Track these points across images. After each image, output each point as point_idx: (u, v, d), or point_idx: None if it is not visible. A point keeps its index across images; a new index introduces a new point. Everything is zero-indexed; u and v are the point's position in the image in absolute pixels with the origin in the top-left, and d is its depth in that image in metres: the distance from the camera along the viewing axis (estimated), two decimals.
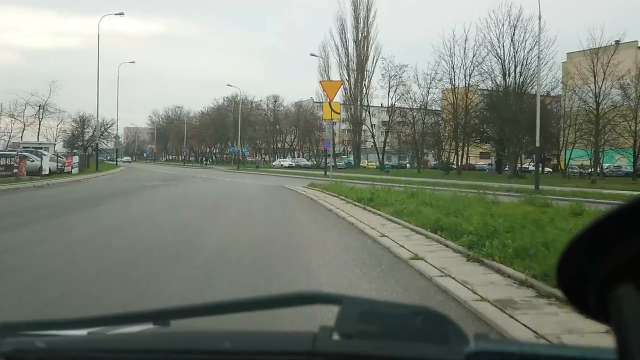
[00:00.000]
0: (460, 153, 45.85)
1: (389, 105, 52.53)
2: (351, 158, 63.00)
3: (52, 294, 4.57)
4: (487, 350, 0.57)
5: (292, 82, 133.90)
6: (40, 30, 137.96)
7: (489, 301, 4.27)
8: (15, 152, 26.51)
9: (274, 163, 63.91)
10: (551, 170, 48.71)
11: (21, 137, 48.34)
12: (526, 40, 39.66)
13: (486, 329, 3.65)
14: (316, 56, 51.38)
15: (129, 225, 9.68)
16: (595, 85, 37.58)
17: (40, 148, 35.19)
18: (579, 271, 0.53)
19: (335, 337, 0.63)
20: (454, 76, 44.70)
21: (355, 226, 9.59)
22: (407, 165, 61.22)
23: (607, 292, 0.50)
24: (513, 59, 40.46)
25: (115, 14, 37.81)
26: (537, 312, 3.97)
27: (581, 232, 0.50)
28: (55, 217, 10.72)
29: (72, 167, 31.84)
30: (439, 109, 49.18)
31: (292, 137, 72.70)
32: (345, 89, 55.51)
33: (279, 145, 73.35)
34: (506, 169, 46.33)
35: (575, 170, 42.79)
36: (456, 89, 44.65)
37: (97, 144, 43.85)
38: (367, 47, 57.41)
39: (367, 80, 57.72)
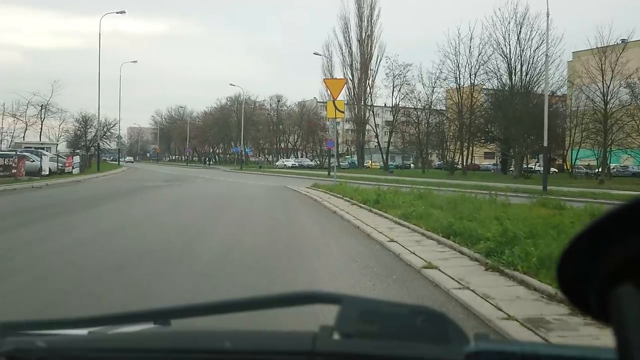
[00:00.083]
0: (465, 153, 45.30)
1: (393, 104, 51.99)
2: (355, 158, 62.42)
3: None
4: (488, 349, 0.57)
5: (295, 82, 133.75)
6: (42, 30, 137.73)
7: (517, 320, 3.80)
8: (14, 152, 26.14)
9: (277, 163, 63.46)
10: (557, 170, 48.09)
11: (23, 137, 48.14)
12: (532, 39, 39.14)
13: None
14: (320, 55, 50.92)
15: (129, 227, 9.43)
16: (603, 83, 37.00)
17: (42, 148, 34.92)
18: (579, 271, 0.52)
19: (336, 336, 0.63)
20: (459, 75, 44.22)
21: (361, 230, 9.11)
22: (411, 165, 60.64)
23: (607, 292, 0.50)
24: (519, 57, 39.92)
25: (117, 12, 37.45)
26: (575, 335, 3.49)
27: (581, 232, 0.50)
28: (49, 218, 10.31)
29: (72, 168, 31.48)
30: (444, 108, 48.60)
31: (296, 137, 72.22)
32: (348, 88, 54.94)
33: (282, 145, 72.87)
34: (511, 169, 45.81)
35: (582, 170, 42.19)
36: (461, 88, 44.09)
37: (99, 143, 43.51)
38: (371, 46, 56.90)
39: (370, 79, 57.22)
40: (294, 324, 0.93)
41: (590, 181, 34.03)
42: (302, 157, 70.65)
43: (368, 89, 57.21)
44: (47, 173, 26.34)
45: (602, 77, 37.06)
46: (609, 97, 36.81)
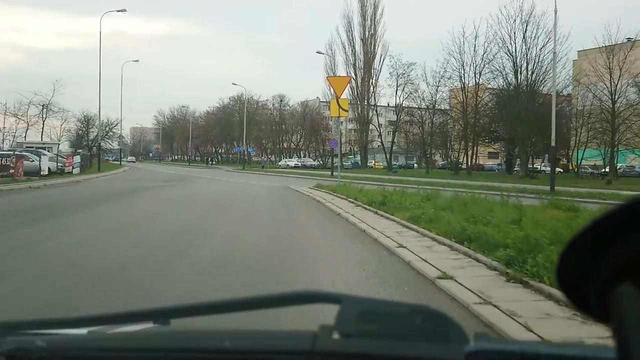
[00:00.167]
0: (470, 153, 44.75)
1: (397, 104, 51.46)
2: (358, 158, 61.89)
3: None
4: (488, 349, 0.57)
5: (297, 82, 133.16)
6: (44, 30, 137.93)
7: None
8: (12, 152, 25.76)
9: (279, 163, 63.01)
10: (562, 170, 47.50)
11: (25, 136, 47.87)
12: (538, 37, 38.58)
13: None
14: (322, 53, 50.44)
15: (126, 229, 9.05)
16: (611, 82, 36.41)
17: (44, 148, 34.59)
18: (579, 271, 0.52)
19: (335, 336, 0.63)
20: (464, 74, 43.66)
21: (367, 234, 8.61)
22: (415, 165, 60.09)
23: (607, 292, 0.50)
24: (525, 56, 39.35)
25: (117, 11, 37.04)
26: None
27: (581, 231, 0.51)
28: (42, 220, 9.88)
29: (72, 168, 31.09)
30: (447, 108, 48.04)
31: (298, 136, 71.74)
32: (352, 87, 54.40)
33: (284, 145, 72.41)
34: (515, 169, 45.25)
35: (587, 170, 41.60)
36: (466, 87, 43.55)
37: (100, 143, 43.15)
38: (375, 45, 56.37)
39: (374, 78, 56.69)
40: (294, 323, 0.91)
41: (596, 181, 33.56)
42: (304, 157, 70.17)
43: (371, 88, 56.76)
44: (47, 173, 26.04)
45: (610, 75, 36.47)
46: (616, 96, 36.22)
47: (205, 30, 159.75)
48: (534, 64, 39.21)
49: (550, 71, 37.28)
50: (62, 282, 5.01)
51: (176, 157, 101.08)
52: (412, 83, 48.68)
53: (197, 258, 6.20)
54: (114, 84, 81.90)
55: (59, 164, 29.16)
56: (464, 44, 55.73)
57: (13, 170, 22.63)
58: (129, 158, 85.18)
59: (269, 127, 70.91)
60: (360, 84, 56.56)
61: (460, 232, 7.11)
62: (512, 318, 3.87)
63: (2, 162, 22.43)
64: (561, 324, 3.74)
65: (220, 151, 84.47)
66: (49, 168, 26.96)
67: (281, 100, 71.43)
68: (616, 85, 36.25)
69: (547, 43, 37.88)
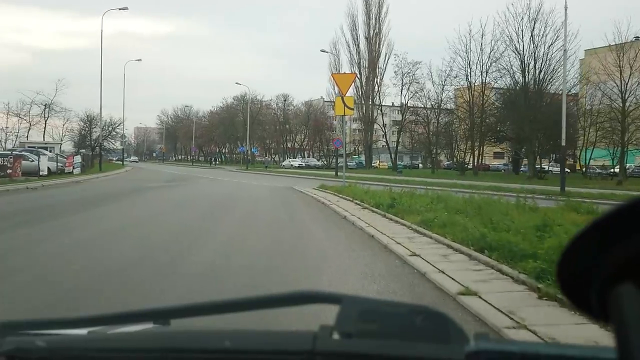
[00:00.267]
0: (476, 153, 44.07)
1: (402, 103, 50.78)
2: (362, 158, 61.25)
3: None
4: (488, 349, 0.57)
5: (301, 82, 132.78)
6: (47, 29, 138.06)
7: None
8: (9, 152, 25.33)
9: (283, 163, 62.49)
10: (569, 170, 46.76)
11: (27, 136, 47.55)
12: (547, 35, 37.83)
13: None
14: (327, 52, 49.58)
15: (120, 232, 8.65)
16: (621, 81, 35.68)
17: (46, 148, 34.24)
18: (579, 271, 0.53)
19: (336, 336, 0.63)
20: (470, 73, 42.99)
21: (376, 240, 7.99)
22: (420, 165, 59.42)
23: (608, 292, 0.50)
24: (532, 54, 38.62)
25: (119, 9, 36.54)
26: None
27: (582, 231, 0.51)
28: (29, 224, 9.31)
29: (73, 168, 30.63)
30: (453, 107, 47.35)
31: (302, 136, 71.18)
32: (356, 87, 53.72)
33: (288, 145, 71.88)
34: (521, 169, 44.54)
35: (595, 170, 40.87)
36: (472, 86, 42.87)
37: (101, 143, 42.71)
38: (379, 44, 55.72)
39: (379, 77, 56.07)
40: (294, 323, 0.91)
41: (605, 182, 32.97)
42: (308, 157, 69.60)
43: (376, 87, 56.10)
44: (46, 173, 25.68)
45: (620, 74, 35.74)
46: (626, 95, 35.49)
47: (208, 30, 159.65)
48: (541, 63, 38.53)
49: (559, 70, 36.68)
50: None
51: (180, 157, 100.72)
52: (418, 82, 48.11)
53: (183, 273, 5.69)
54: (117, 83, 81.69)
55: (59, 164, 28.72)
56: (470, 42, 54.97)
57: (11, 171, 22.20)
58: (132, 158, 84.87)
59: (272, 127, 70.42)
60: (364, 83, 55.94)
61: (479, 239, 6.49)
62: None
63: (0, 162, 22.00)
64: None
65: (223, 151, 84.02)
66: (48, 168, 26.62)
67: (285, 100, 70.94)
68: (626, 84, 35.52)
69: (555, 41, 37.22)
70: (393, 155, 52.85)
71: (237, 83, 69.07)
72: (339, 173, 29.39)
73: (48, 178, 24.63)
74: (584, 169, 40.80)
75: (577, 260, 0.52)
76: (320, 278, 5.44)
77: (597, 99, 37.92)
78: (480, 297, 4.46)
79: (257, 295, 0.70)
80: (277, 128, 70.02)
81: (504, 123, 43.36)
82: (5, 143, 45.97)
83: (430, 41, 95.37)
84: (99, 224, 9.65)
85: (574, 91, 40.57)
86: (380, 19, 55.60)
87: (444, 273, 5.42)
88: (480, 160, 45.39)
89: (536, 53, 38.55)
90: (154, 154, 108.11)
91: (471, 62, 42.94)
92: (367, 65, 55.82)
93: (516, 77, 39.85)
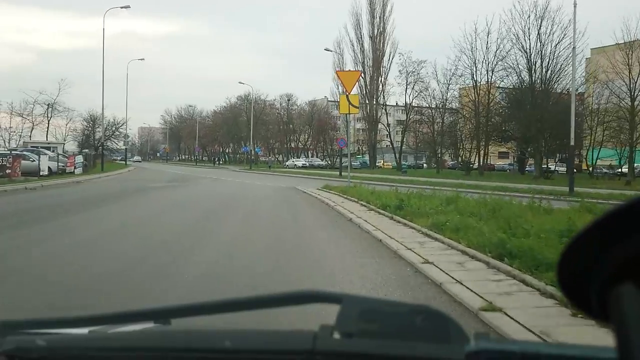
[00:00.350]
0: (481, 153, 43.50)
1: (406, 102, 50.26)
2: (366, 158, 60.74)
3: None
4: (488, 349, 0.57)
5: (301, 82, 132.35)
6: (50, 29, 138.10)
7: None
8: (8, 152, 24.99)
9: (287, 163, 62.05)
10: (575, 170, 46.17)
11: (30, 136, 47.34)
12: (554, 33, 37.23)
13: None
14: (330, 51, 48.99)
15: (114, 235, 8.31)
16: (630, 79, 35.08)
17: (49, 147, 33.97)
18: (579, 271, 0.53)
19: (336, 335, 0.63)
20: (476, 71, 42.42)
21: (384, 245, 7.51)
22: (424, 165, 58.85)
23: (608, 292, 0.50)
24: (539, 53, 38.03)
25: (121, 7, 36.18)
26: None
27: (582, 231, 0.51)
28: (17, 227, 8.90)
29: (74, 168, 30.27)
30: (459, 106, 46.79)
31: (306, 136, 70.74)
32: (360, 86, 53.20)
33: (292, 145, 71.45)
34: (527, 169, 43.95)
35: (602, 170, 40.24)
36: (478, 85, 42.31)
37: (103, 143, 42.40)
38: (384, 42, 55.17)
39: (383, 77, 55.55)
40: (294, 323, 0.91)
41: (613, 182, 32.42)
42: (312, 156, 69.14)
43: (380, 86, 55.59)
44: (46, 173, 25.36)
45: (629, 72, 35.15)
46: (635, 93, 34.89)
47: (208, 30, 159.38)
48: (548, 61, 37.95)
49: (566, 68, 36.16)
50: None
51: (183, 157, 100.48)
52: (422, 81, 47.57)
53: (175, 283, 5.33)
54: (120, 83, 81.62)
55: (60, 164, 28.38)
56: (476, 41, 54.01)
57: (10, 171, 21.84)
58: (135, 158, 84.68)
59: (276, 127, 70.00)
60: (369, 83, 55.43)
61: (497, 244, 6.00)
62: None
63: None
64: None
65: (227, 151, 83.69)
66: (49, 168, 26.29)
67: (289, 100, 70.47)
68: (635, 82, 34.92)
69: (562, 39, 36.63)
70: (397, 155, 52.33)
71: (240, 82, 68.89)
72: (343, 173, 28.90)
73: (48, 178, 24.32)
74: (590, 169, 40.19)
75: (577, 260, 0.52)
76: (324, 286, 4.96)
77: (605, 98, 37.35)
78: (505, 313, 3.98)
79: (257, 295, 0.70)
80: (280, 128, 69.59)
81: (509, 122, 42.79)
82: (9, 143, 45.79)
83: (434, 40, 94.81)
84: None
85: (581, 90, 39.96)
86: (385, 17, 55.14)
87: (461, 284, 4.93)
88: (486, 160, 44.82)
89: (543, 51, 38.02)
90: (158, 154, 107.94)
91: (477, 61, 42.46)
92: (371, 65, 55.32)
93: (522, 76, 39.33)
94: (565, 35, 36.10)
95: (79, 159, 32.64)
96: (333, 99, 57.97)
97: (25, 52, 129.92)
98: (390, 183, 21.10)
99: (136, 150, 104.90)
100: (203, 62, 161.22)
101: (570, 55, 28.47)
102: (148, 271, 5.64)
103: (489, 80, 42.17)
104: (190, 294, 4.48)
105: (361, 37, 55.44)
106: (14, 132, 47.54)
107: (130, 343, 0.75)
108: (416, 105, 49.29)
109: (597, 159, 39.95)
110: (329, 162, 60.39)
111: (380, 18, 55.15)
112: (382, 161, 61.45)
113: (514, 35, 38.86)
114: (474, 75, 42.50)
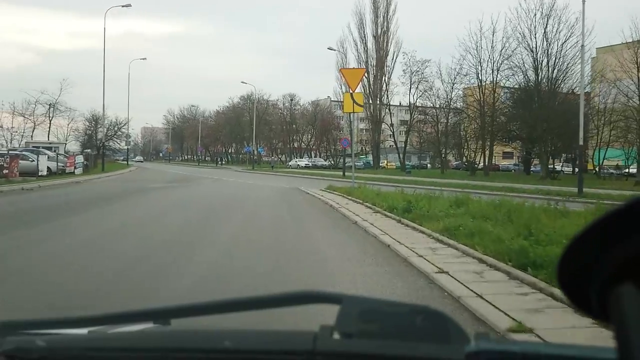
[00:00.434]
0: (486, 153, 42.94)
1: (410, 102, 49.70)
2: (370, 158, 60.24)
3: None
4: (488, 349, 0.57)
5: (301, 82, 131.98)
6: (52, 29, 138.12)
7: None
8: (6, 152, 24.60)
9: (290, 163, 61.63)
10: None
11: (31, 136, 47.05)
12: (560, 32, 36.64)
13: None
14: (334, 50, 48.52)
15: (108, 239, 7.78)
16: (638, 78, 34.51)
17: (50, 148, 33.59)
18: (579, 271, 0.53)
19: (336, 336, 0.63)
20: (481, 71, 41.85)
21: (393, 251, 7.01)
22: (428, 165, 58.32)
23: (608, 292, 0.51)
24: (546, 51, 37.43)
25: (122, 6, 35.82)
26: None
27: (582, 231, 0.51)
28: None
29: (75, 168, 29.88)
30: (463, 106, 46.23)
31: (309, 136, 70.29)
32: (364, 86, 52.65)
33: (295, 145, 71.02)
34: (532, 169, 43.38)
35: (608, 171, 39.66)
36: (483, 85, 41.75)
37: (104, 143, 42.04)
38: (387, 42, 54.70)
39: (386, 76, 55.05)
40: (295, 323, 0.90)
41: (620, 182, 31.88)
42: (315, 156, 68.69)
43: (384, 86, 55.03)
44: (46, 173, 24.96)
45: (638, 71, 34.57)
46: None
47: (208, 30, 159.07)
48: (555, 60, 37.35)
49: (572, 67, 35.63)
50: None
51: (186, 157, 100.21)
52: (427, 81, 47.05)
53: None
54: (122, 83, 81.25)
55: (60, 164, 27.99)
56: (481, 40, 53.66)
57: (7, 171, 21.45)
58: (137, 158, 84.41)
59: (279, 127, 69.59)
60: (372, 82, 54.93)
61: (518, 252, 5.50)
62: None
63: None
64: None
65: (230, 151, 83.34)
66: (48, 168, 25.94)
67: (292, 100, 70.06)
68: None
69: (569, 38, 36.04)
70: (401, 155, 51.80)
71: (242, 82, 68.38)
72: (347, 173, 28.39)
73: (47, 178, 23.96)
74: (596, 169, 39.64)
75: (577, 260, 0.52)
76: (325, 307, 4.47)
77: (612, 97, 36.80)
78: (537, 335, 3.48)
79: (257, 295, 0.70)
80: (283, 128, 69.19)
81: (515, 122, 42.21)
82: (11, 143, 45.49)
83: (438, 40, 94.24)
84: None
85: (587, 90, 39.36)
86: (388, 17, 54.68)
87: (482, 298, 4.43)
88: (491, 160, 44.26)
89: (549, 50, 37.43)
90: (161, 154, 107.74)
91: (482, 60, 41.89)
92: (374, 64, 54.83)
93: (528, 75, 38.76)
94: (572, 33, 35.57)
95: (79, 159, 32.29)
96: (336, 99, 57.48)
97: (27, 52, 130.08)
98: (395, 184, 20.58)
99: (139, 150, 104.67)
100: (204, 62, 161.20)
101: (577, 54, 27.95)
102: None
103: (494, 79, 41.64)
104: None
105: (365, 37, 55.05)
106: (16, 132, 47.29)
107: (130, 343, 0.75)
108: (420, 105, 48.82)
109: (604, 159, 39.40)
110: (332, 162, 59.96)
111: (384, 17, 54.78)
112: (385, 161, 60.99)
113: (519, 33, 38.31)
114: (479, 75, 42.03)
